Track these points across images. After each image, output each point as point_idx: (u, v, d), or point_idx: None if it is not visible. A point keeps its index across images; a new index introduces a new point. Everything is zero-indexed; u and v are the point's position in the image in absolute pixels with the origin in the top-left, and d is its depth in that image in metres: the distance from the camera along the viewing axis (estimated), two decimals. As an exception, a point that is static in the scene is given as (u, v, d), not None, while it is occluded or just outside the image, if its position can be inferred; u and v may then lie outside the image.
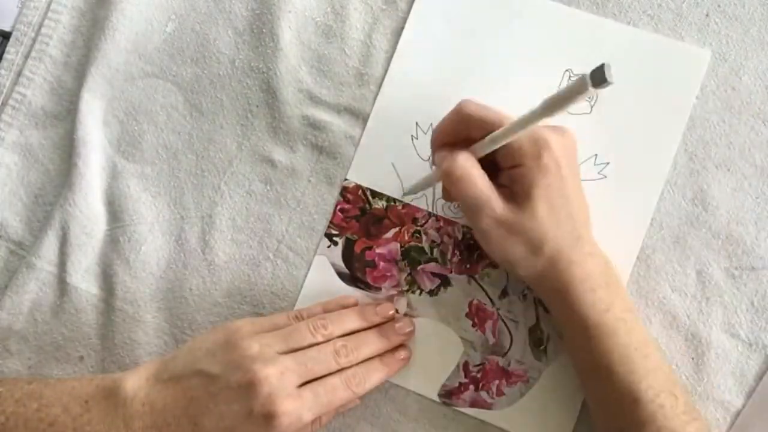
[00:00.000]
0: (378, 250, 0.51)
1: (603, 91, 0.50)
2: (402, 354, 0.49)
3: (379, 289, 0.50)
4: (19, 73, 0.55)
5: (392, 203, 0.51)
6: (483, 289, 0.50)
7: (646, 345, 0.43)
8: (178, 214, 0.53)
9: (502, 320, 0.49)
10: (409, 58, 0.52)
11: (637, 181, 0.49)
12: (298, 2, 0.53)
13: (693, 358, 0.48)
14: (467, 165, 0.43)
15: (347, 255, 0.51)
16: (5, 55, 0.55)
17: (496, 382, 0.49)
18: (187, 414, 0.43)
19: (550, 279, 0.43)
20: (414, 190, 0.50)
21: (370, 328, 0.48)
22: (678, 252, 0.49)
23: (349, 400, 0.46)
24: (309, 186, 0.52)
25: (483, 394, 0.49)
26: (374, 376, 0.47)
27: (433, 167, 0.49)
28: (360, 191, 0.51)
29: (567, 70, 0.51)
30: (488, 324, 0.49)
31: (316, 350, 0.45)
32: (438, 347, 0.49)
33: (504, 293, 0.50)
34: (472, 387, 0.49)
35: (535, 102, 0.38)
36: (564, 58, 0.51)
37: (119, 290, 0.52)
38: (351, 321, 0.48)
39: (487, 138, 0.43)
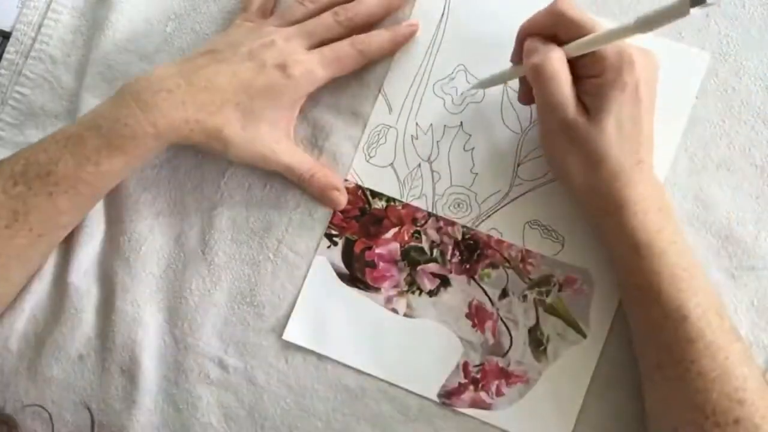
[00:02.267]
0: (378, 251, 0.51)
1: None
2: (408, 24, 0.51)
3: (378, 289, 0.50)
4: (18, 73, 0.55)
5: (392, 203, 0.51)
6: (483, 290, 0.50)
7: (694, 266, 0.43)
8: (178, 214, 0.53)
9: (502, 321, 0.49)
10: (408, 57, 0.52)
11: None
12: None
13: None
14: (559, 64, 0.43)
15: (347, 255, 0.51)
16: (5, 55, 0.55)
17: (496, 382, 0.49)
18: (198, 75, 0.46)
19: (604, 196, 0.43)
20: (487, 84, 0.49)
21: None
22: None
23: (356, 60, 0.49)
24: None
25: (482, 394, 0.49)
26: (379, 37, 0.50)
27: (511, 66, 0.48)
28: (360, 191, 0.51)
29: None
30: (488, 324, 0.49)
31: (314, 19, 0.49)
32: (437, 348, 0.49)
33: (504, 294, 0.50)
34: (471, 387, 0.49)
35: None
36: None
37: (119, 290, 0.52)
38: (366, 4, 0.50)
39: (582, 40, 0.42)
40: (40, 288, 0.52)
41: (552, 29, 0.44)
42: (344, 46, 0.48)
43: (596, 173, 0.43)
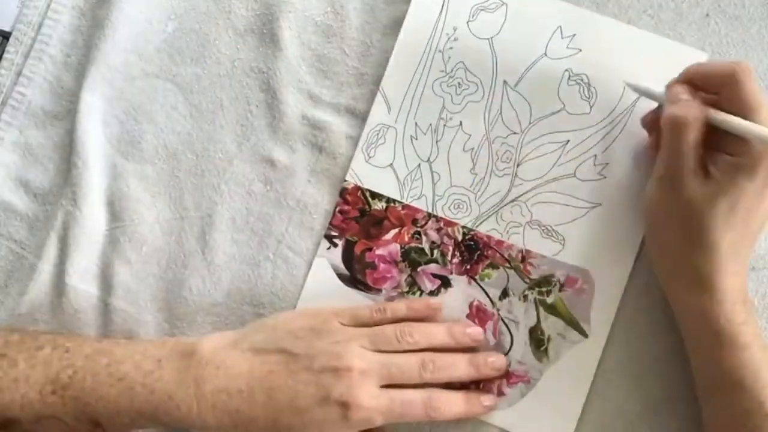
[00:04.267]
0: (378, 252, 0.51)
1: (602, 91, 0.50)
2: (487, 401, 0.48)
3: (379, 290, 0.50)
4: (19, 73, 0.55)
5: (392, 204, 0.51)
6: (483, 290, 0.50)
7: None
8: (178, 214, 0.53)
9: (503, 321, 0.49)
10: (407, 57, 0.52)
11: (636, 181, 0.49)
12: (298, 2, 0.53)
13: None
14: (697, 122, 0.41)
15: (347, 257, 0.51)
16: (5, 55, 0.55)
17: (497, 382, 0.49)
18: (262, 385, 0.43)
19: (694, 275, 0.43)
20: (642, 92, 0.48)
21: (456, 350, 0.47)
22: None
23: (420, 419, 0.45)
24: (309, 186, 0.52)
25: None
26: (454, 407, 0.46)
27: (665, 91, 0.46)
28: (359, 192, 0.51)
29: (566, 70, 0.50)
30: (489, 325, 0.49)
31: (403, 357, 0.45)
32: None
33: (504, 294, 0.50)
34: (472, 388, 0.49)
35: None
36: (564, 57, 0.51)
37: (119, 290, 0.52)
38: (439, 335, 0.47)
39: (736, 121, 0.41)
40: (40, 289, 0.52)
41: (715, 87, 0.42)
42: (417, 408, 0.44)
43: (691, 247, 0.42)
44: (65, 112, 0.54)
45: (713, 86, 0.43)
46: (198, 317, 0.51)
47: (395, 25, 0.52)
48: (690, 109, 0.42)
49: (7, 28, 0.55)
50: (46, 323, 0.52)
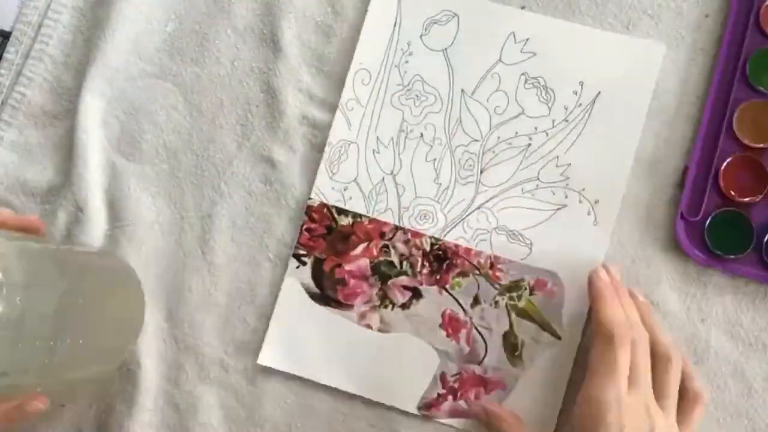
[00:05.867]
0: (347, 268, 0.51)
1: (560, 92, 0.50)
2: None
3: (351, 306, 0.50)
4: (18, 73, 0.55)
5: (358, 219, 0.51)
6: (455, 299, 0.50)
7: None
8: (178, 214, 0.53)
9: (476, 328, 0.49)
10: (364, 74, 0.52)
11: (598, 180, 0.49)
12: (298, 2, 0.53)
13: (693, 358, 0.48)
14: None
15: (317, 274, 0.51)
16: (5, 55, 0.56)
17: (474, 390, 0.49)
18: None
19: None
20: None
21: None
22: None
23: None
24: (309, 186, 0.52)
25: (462, 403, 0.49)
26: None
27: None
28: (325, 209, 0.51)
29: (522, 74, 0.51)
30: (462, 333, 0.49)
31: None
32: (414, 360, 0.49)
33: (476, 301, 0.49)
34: (450, 397, 0.49)
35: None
36: (519, 62, 0.51)
37: None
38: None
39: None
40: None
41: None
42: None
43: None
44: (65, 112, 0.55)
45: None
46: (198, 317, 0.52)
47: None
48: None
49: (7, 28, 0.56)
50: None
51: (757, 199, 0.47)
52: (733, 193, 0.48)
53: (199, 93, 0.54)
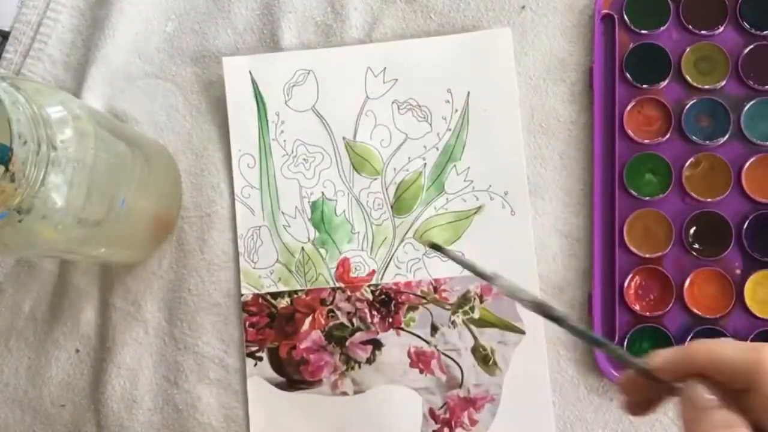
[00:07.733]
0: (302, 346, 0.50)
1: (434, 105, 0.51)
2: None
3: (320, 381, 0.50)
4: (17, 73, 0.54)
5: (295, 296, 0.51)
6: (414, 335, 0.50)
7: None
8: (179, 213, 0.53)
9: (444, 354, 0.49)
10: (246, 159, 0.52)
11: (499, 165, 0.50)
12: (298, 2, 0.53)
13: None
14: None
15: (276, 364, 0.50)
16: (4, 54, 0.54)
17: (465, 413, 0.49)
18: None
19: None
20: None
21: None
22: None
23: None
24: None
25: (459, 430, 0.49)
26: None
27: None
28: (260, 299, 0.51)
29: (393, 102, 0.51)
30: (433, 364, 0.49)
31: None
32: (399, 408, 0.49)
33: (434, 329, 0.50)
34: (446, 429, 0.49)
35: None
36: (385, 92, 0.52)
37: (119, 290, 0.52)
38: None
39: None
40: (40, 288, 0.52)
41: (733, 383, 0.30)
42: None
43: None
44: (65, 112, 0.54)
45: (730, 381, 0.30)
46: (198, 317, 0.51)
47: (396, 25, 0.53)
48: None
49: (6, 28, 0.55)
50: (46, 323, 0.52)
51: (668, 309, 0.47)
52: (639, 308, 0.48)
53: (199, 93, 0.54)
